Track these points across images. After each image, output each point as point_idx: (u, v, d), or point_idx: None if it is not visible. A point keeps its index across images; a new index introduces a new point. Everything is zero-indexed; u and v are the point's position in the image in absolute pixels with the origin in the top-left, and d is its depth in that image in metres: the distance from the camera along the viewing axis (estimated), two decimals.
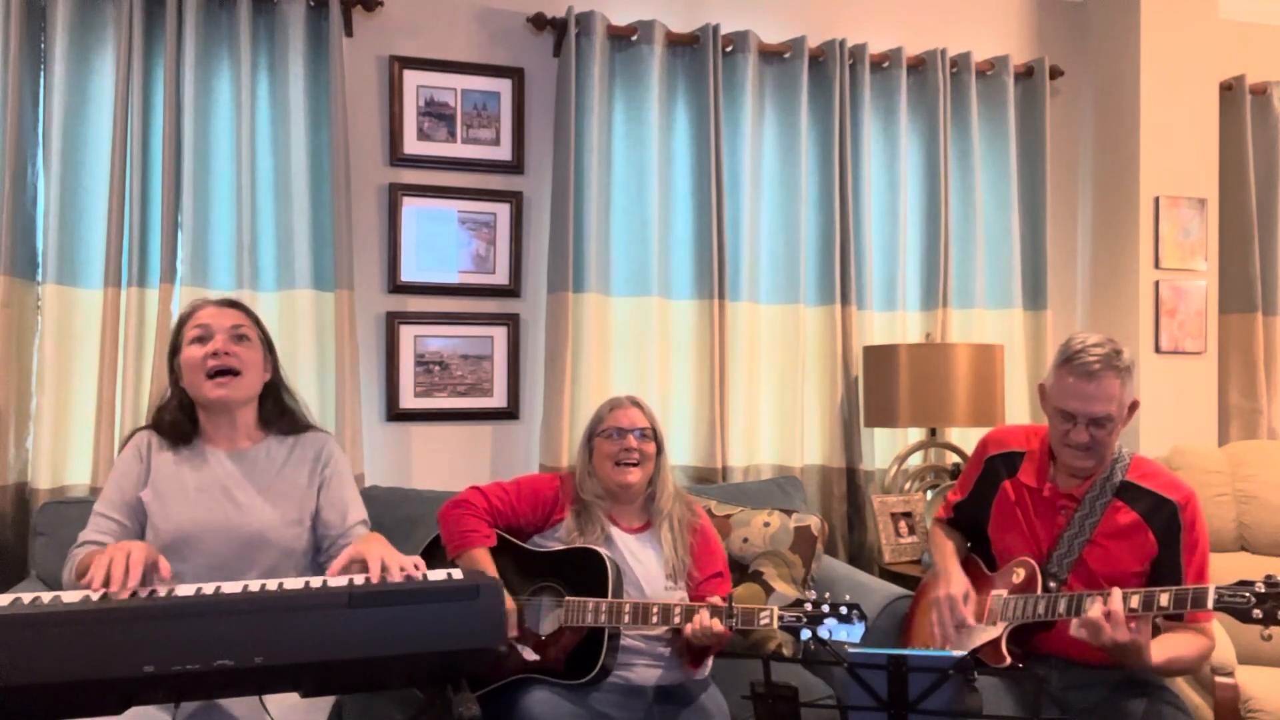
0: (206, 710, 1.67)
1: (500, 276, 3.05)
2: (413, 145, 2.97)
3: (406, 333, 2.96)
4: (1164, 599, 1.73)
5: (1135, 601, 1.75)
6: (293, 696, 1.64)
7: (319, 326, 2.82)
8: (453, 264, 3.00)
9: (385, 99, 2.96)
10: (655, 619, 1.95)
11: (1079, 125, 3.63)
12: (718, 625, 1.88)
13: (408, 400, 2.96)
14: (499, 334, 3.04)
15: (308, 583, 1.45)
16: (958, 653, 1.49)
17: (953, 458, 3.23)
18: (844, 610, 1.83)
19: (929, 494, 3.19)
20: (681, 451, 3.09)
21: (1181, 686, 2.61)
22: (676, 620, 1.94)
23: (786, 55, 3.21)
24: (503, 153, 3.04)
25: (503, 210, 3.04)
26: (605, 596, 1.98)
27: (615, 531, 2.14)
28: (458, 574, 1.49)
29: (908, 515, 3.07)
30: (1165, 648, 1.80)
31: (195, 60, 2.67)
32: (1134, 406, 1.92)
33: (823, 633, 1.82)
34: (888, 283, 3.30)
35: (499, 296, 3.05)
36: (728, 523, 2.63)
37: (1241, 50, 3.68)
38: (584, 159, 2.97)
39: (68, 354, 2.63)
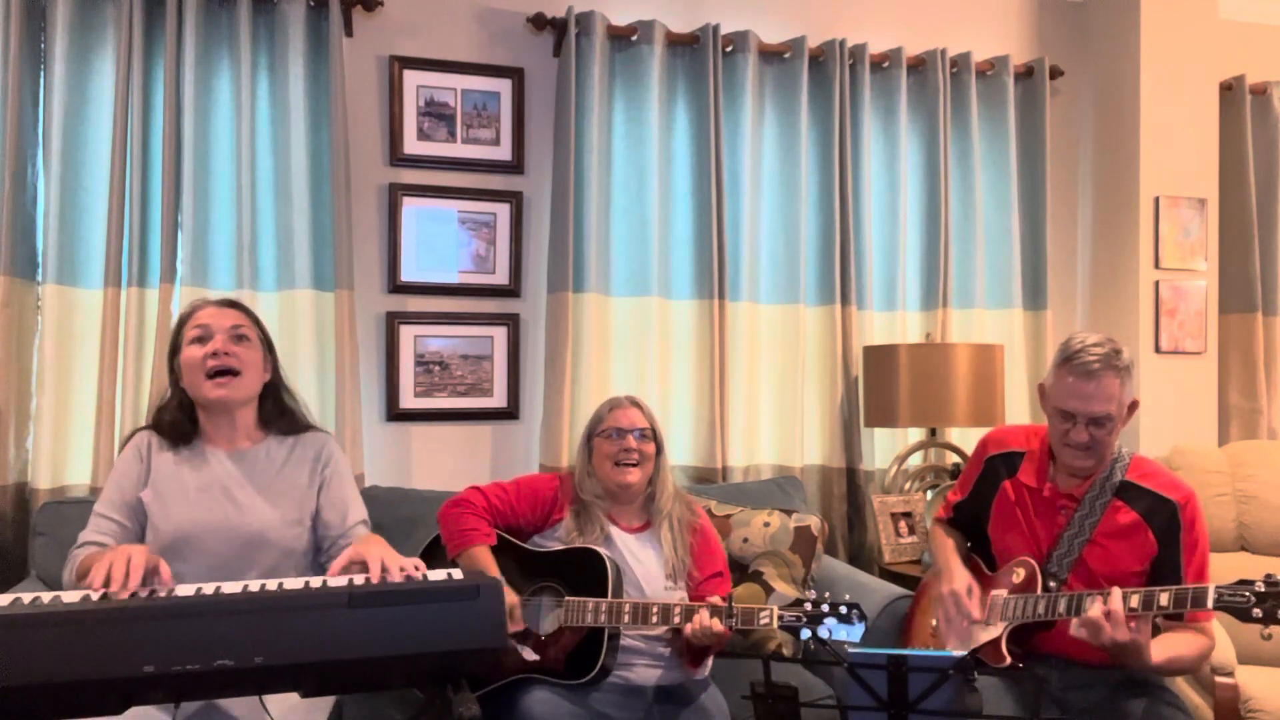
0: (206, 710, 1.67)
1: (500, 276, 3.05)
2: (413, 145, 2.97)
3: (406, 333, 2.96)
4: (1164, 598, 1.73)
5: (1135, 601, 1.75)
6: (293, 696, 1.65)
7: (319, 326, 2.82)
8: (453, 264, 3.00)
9: (385, 99, 2.96)
10: (655, 619, 1.95)
11: (1079, 125, 3.63)
12: (717, 625, 1.88)
13: (408, 400, 2.96)
14: (499, 334, 3.04)
15: (308, 583, 1.46)
16: (958, 652, 1.49)
17: (953, 458, 3.23)
18: (844, 610, 1.83)
19: (929, 494, 3.19)
20: (681, 451, 3.09)
21: (1181, 686, 2.61)
22: (676, 620, 1.94)
23: (786, 55, 3.21)
24: (503, 153, 3.04)
25: (503, 210, 3.04)
26: (605, 596, 1.98)
27: (615, 531, 2.14)
28: (458, 574, 1.49)
29: (908, 515, 3.07)
30: (1165, 647, 1.80)
31: (195, 60, 2.68)
32: (1133, 406, 1.92)
33: (822, 632, 1.82)
34: (888, 283, 3.30)
35: (499, 296, 3.06)
36: (728, 523, 2.63)
37: (1241, 50, 3.68)
38: (584, 159, 2.97)
39: (68, 354, 2.63)
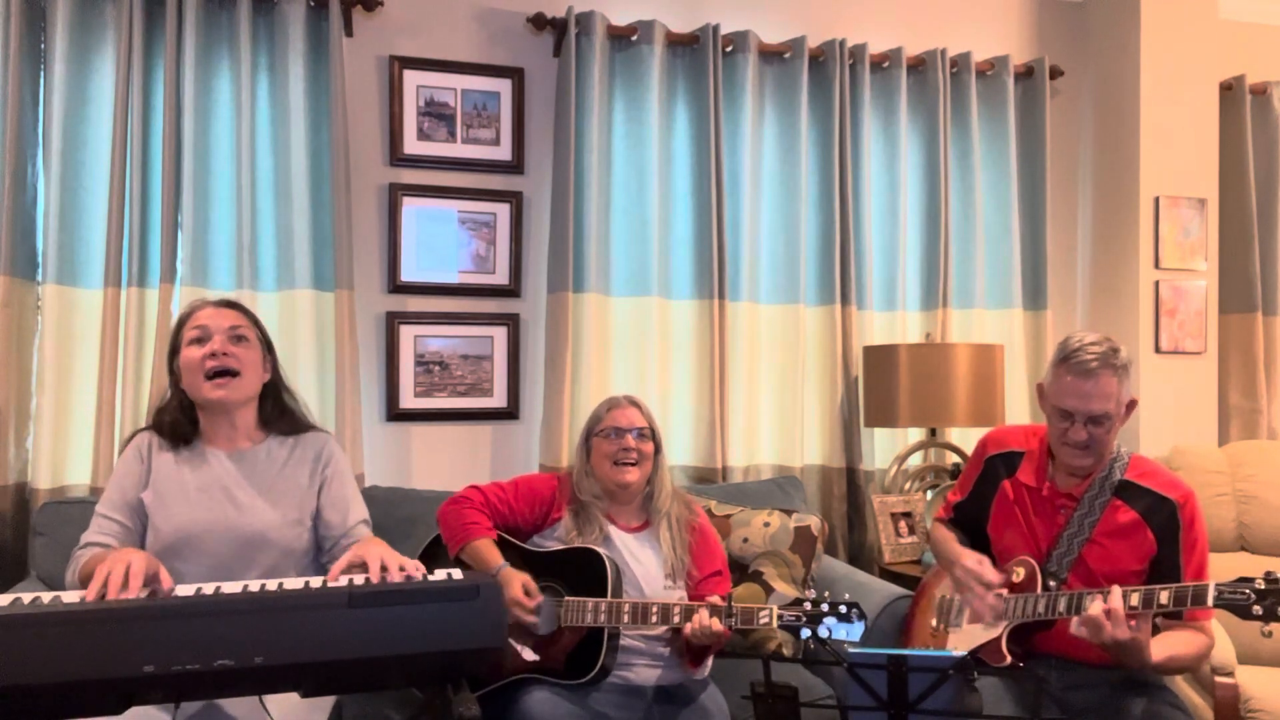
0: (206, 710, 1.67)
1: (500, 276, 3.05)
2: (413, 145, 2.97)
3: (406, 333, 2.96)
4: (1164, 596, 1.73)
5: (1135, 599, 1.75)
6: (293, 696, 1.64)
7: (319, 326, 2.82)
8: (453, 264, 3.01)
9: (385, 99, 2.97)
10: (655, 619, 1.95)
11: (1079, 125, 3.63)
12: (717, 625, 1.88)
13: (408, 400, 2.96)
14: (499, 334, 3.04)
15: (308, 583, 1.46)
16: (958, 652, 1.49)
17: (953, 458, 3.23)
18: (843, 609, 1.83)
19: (929, 494, 3.19)
20: (681, 451, 3.09)
21: (1181, 686, 2.61)
22: (676, 620, 1.94)
23: (786, 55, 3.21)
24: (503, 153, 3.04)
25: (503, 210, 3.04)
26: (605, 596, 1.98)
27: (614, 531, 2.14)
28: (458, 574, 1.49)
29: (908, 515, 3.07)
30: (1165, 646, 1.80)
31: (195, 60, 2.68)
32: (1132, 405, 1.92)
33: (822, 632, 1.82)
34: (888, 283, 3.30)
35: (499, 296, 3.06)
36: (728, 523, 2.63)
37: (1241, 50, 3.68)
38: (584, 159, 2.97)
39: (68, 354, 2.63)
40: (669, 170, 3.11)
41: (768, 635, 2.48)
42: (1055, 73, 3.48)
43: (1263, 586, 1.65)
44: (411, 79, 2.96)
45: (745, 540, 2.60)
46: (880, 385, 3.03)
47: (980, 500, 2.13)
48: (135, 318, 2.64)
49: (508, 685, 2.01)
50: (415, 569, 1.55)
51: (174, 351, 1.86)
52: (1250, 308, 3.53)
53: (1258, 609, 1.64)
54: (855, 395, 3.20)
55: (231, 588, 1.41)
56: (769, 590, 2.53)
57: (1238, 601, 1.66)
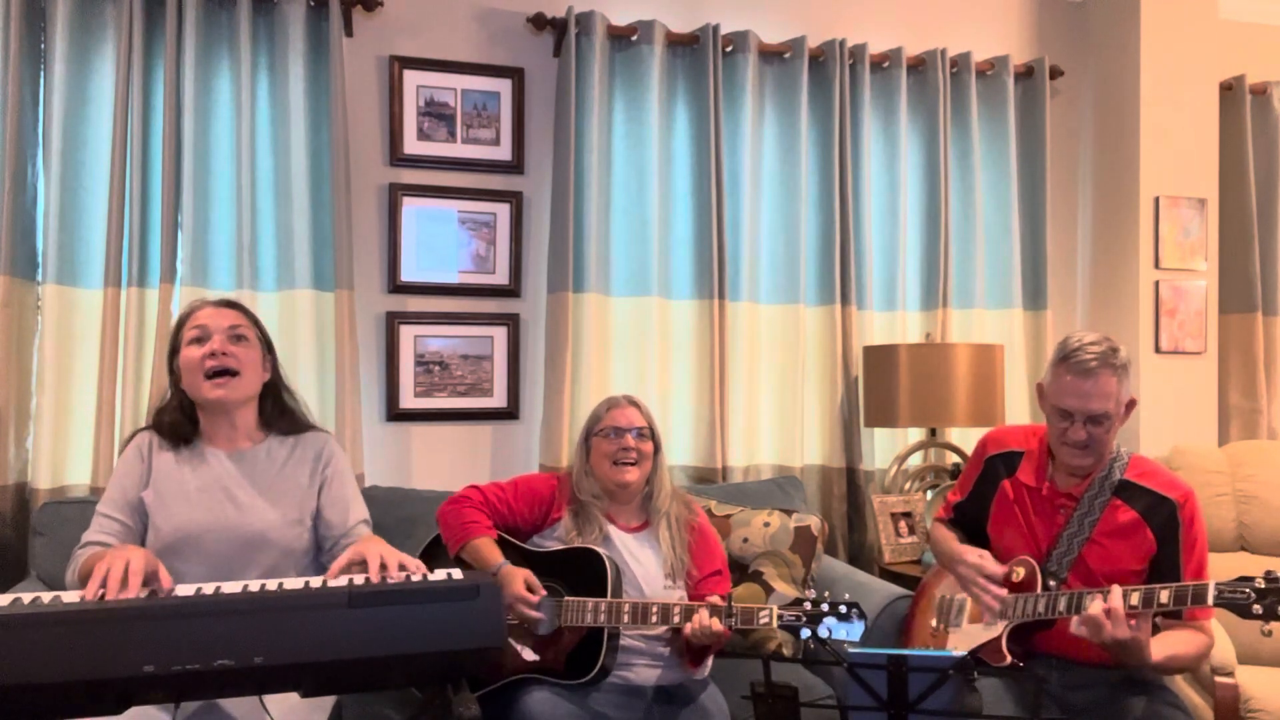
0: (206, 710, 1.67)
1: (500, 276, 3.05)
2: (413, 145, 2.97)
3: (406, 333, 2.96)
4: (1164, 595, 1.73)
5: (1135, 598, 1.75)
6: (293, 696, 1.65)
7: (319, 326, 2.82)
8: (453, 264, 3.01)
9: (385, 99, 2.97)
10: (655, 619, 1.95)
11: (1079, 125, 3.63)
12: (717, 625, 1.88)
13: (408, 400, 2.96)
14: (499, 334, 3.04)
15: (308, 583, 1.46)
16: (958, 652, 1.49)
17: (953, 458, 3.23)
18: (843, 609, 1.83)
19: (929, 494, 3.19)
20: (681, 451, 3.09)
21: (1181, 686, 2.61)
22: (676, 620, 1.94)
23: (786, 55, 3.21)
24: (503, 153, 3.04)
25: (503, 210, 3.04)
26: (605, 596, 1.98)
27: (613, 531, 2.14)
28: (458, 574, 1.49)
29: (908, 515, 3.07)
30: (1165, 645, 1.80)
31: (195, 60, 2.68)
32: (1131, 404, 1.92)
33: (822, 631, 1.82)
34: (888, 283, 3.30)
35: (499, 296, 3.06)
36: (728, 523, 2.63)
37: (1241, 50, 3.68)
38: (584, 159, 2.97)
39: (68, 354, 2.63)
40: (669, 170, 3.11)
41: (768, 635, 2.48)
42: (1055, 73, 3.48)
43: (1262, 585, 1.65)
44: (411, 79, 2.96)
45: (745, 540, 2.60)
46: (880, 385, 3.03)
47: (980, 500, 2.13)
48: (135, 318, 2.64)
49: (508, 685, 2.01)
50: (415, 567, 1.55)
51: (174, 351, 1.87)
52: (1250, 308, 3.53)
53: (1257, 608, 1.65)
54: (855, 395, 3.20)
55: (231, 587, 1.41)
56: (769, 590, 2.53)
57: (1238, 600, 1.67)
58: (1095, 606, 1.73)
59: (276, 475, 1.88)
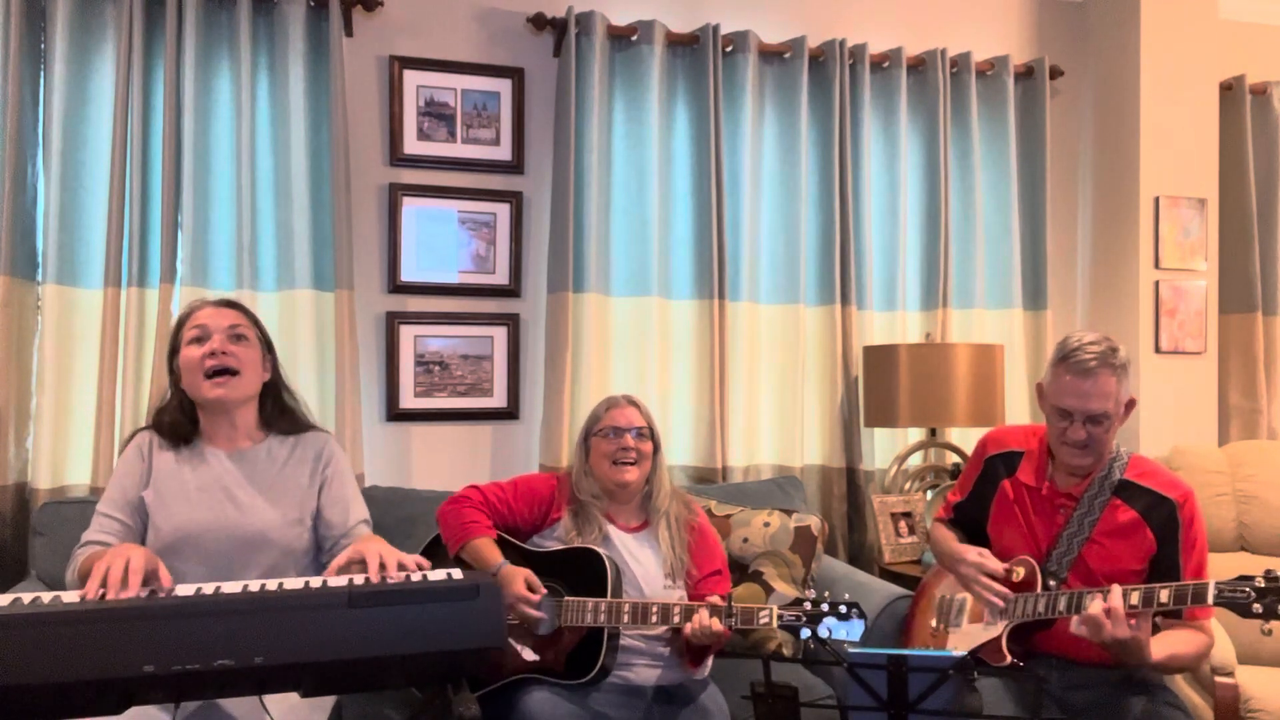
0: (206, 710, 1.67)
1: (500, 276, 3.05)
2: (413, 145, 2.97)
3: (406, 333, 2.96)
4: (1164, 595, 1.73)
5: (1135, 598, 1.75)
6: (293, 696, 1.65)
7: (319, 326, 2.82)
8: (453, 264, 3.01)
9: (385, 99, 2.97)
10: (655, 619, 1.95)
11: (1079, 125, 3.63)
12: (717, 625, 1.88)
13: (408, 400, 2.96)
14: (499, 334, 3.04)
15: (308, 583, 1.46)
16: (958, 652, 1.49)
17: (953, 458, 3.23)
18: (843, 609, 1.83)
19: (929, 494, 3.19)
20: (681, 451, 3.09)
21: (1181, 686, 2.61)
22: (676, 620, 1.94)
23: (786, 55, 3.21)
24: (503, 153, 3.04)
25: (503, 210, 3.04)
26: (604, 596, 1.98)
27: (613, 530, 2.14)
28: (458, 574, 1.49)
29: (908, 515, 3.07)
30: (1165, 645, 1.80)
31: (195, 60, 2.68)
32: (1131, 404, 1.93)
33: (822, 631, 1.82)
34: (888, 283, 3.30)
35: (499, 296, 3.06)
36: (728, 523, 2.63)
37: (1241, 50, 3.68)
38: (584, 159, 2.97)
39: (68, 354, 2.63)
40: (669, 170, 3.11)
41: (768, 635, 2.48)
42: (1055, 73, 3.48)
43: (1262, 585, 1.65)
44: (411, 79, 2.96)
45: (745, 540, 2.60)
46: (880, 385, 3.03)
47: (980, 500, 2.13)
48: (135, 318, 2.64)
49: (508, 685, 2.01)
50: (414, 565, 1.55)
51: (174, 351, 1.87)
52: (1250, 308, 3.53)
53: (1257, 607, 1.65)
54: (855, 395, 3.20)
55: (231, 587, 1.41)
56: (769, 590, 2.53)
57: (1237, 600, 1.67)
58: (1095, 606, 1.73)
59: (277, 475, 1.88)
